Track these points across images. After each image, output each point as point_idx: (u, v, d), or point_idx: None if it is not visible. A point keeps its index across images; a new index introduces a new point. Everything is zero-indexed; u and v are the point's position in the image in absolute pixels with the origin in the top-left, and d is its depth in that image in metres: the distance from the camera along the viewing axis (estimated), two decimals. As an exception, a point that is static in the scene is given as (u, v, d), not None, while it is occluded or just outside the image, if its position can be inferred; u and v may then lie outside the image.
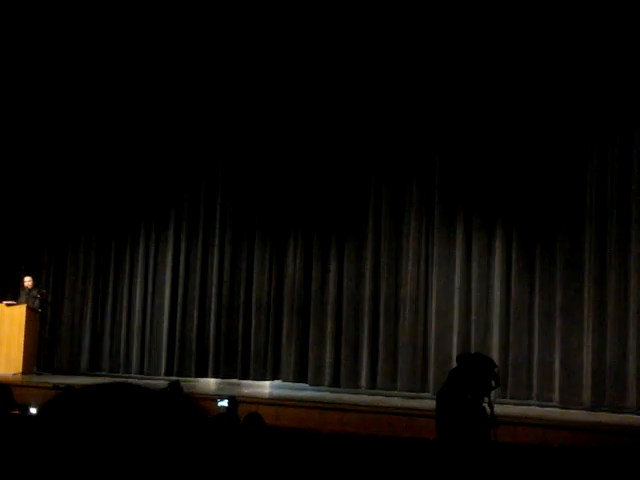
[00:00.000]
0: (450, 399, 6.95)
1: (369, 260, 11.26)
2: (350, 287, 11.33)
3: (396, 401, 10.19)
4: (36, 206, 12.99)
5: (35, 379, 11.54)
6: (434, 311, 10.82)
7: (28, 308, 11.81)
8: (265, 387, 11.63)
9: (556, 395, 10.13)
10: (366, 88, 11.27)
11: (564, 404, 9.93)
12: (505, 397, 9.91)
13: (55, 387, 9.58)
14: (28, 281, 12.17)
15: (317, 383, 11.28)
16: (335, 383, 11.19)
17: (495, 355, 10.14)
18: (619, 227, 9.95)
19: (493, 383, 6.96)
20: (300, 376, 11.43)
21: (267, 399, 10.32)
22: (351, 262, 11.36)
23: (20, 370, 11.67)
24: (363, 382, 11.11)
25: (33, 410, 7.16)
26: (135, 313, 12.53)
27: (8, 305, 11.91)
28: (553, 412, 9.64)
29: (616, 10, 9.97)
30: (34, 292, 12.10)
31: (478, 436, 6.55)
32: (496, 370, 7.24)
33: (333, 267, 11.40)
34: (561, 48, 10.26)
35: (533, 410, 9.76)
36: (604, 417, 9.27)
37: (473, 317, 10.65)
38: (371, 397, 10.50)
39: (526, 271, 10.46)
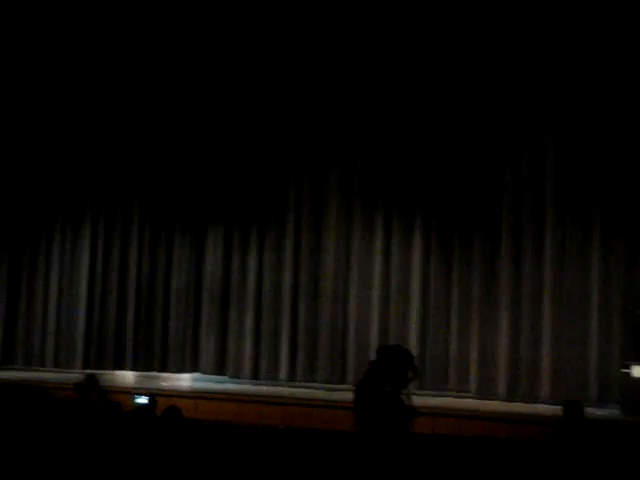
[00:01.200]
0: (368, 391, 6.91)
1: (289, 251, 11.26)
2: (270, 279, 11.33)
3: (315, 393, 10.21)
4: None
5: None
6: (353, 303, 10.90)
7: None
8: (184, 380, 11.52)
9: (472, 386, 10.33)
10: (289, 77, 11.23)
11: (480, 395, 10.15)
12: (423, 389, 10.00)
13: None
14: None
15: (236, 375, 11.22)
16: (255, 375, 11.15)
17: (413, 347, 10.28)
18: (534, 223, 10.20)
19: (411, 374, 6.97)
20: (219, 368, 11.38)
21: (186, 392, 10.23)
22: (271, 253, 11.34)
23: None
24: (283, 374, 11.10)
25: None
26: (51, 306, 12.28)
27: None
28: (469, 403, 9.82)
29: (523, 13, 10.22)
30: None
31: (396, 428, 6.56)
32: (414, 362, 7.24)
33: (253, 258, 11.39)
34: (478, 49, 10.42)
35: (449, 401, 9.91)
36: (518, 407, 9.52)
37: (392, 310, 10.76)
38: (291, 389, 10.50)
39: (444, 264, 10.62)
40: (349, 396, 6.33)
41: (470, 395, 10.22)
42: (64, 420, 5.84)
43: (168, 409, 6.32)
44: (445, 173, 10.59)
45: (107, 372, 11.35)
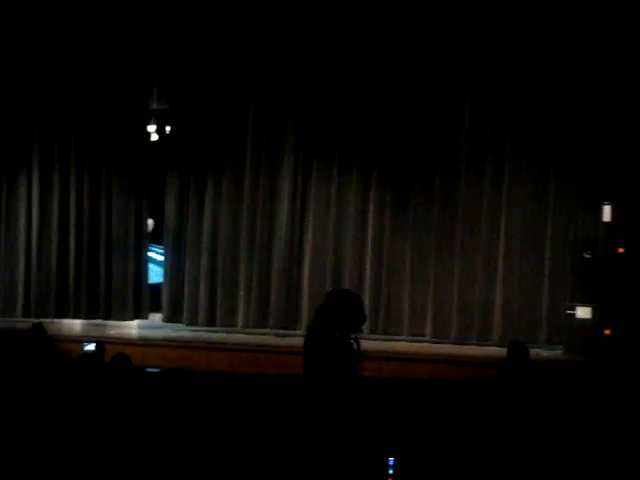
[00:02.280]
0: (318, 336, 7.03)
1: (245, 197, 11.25)
2: (226, 225, 11.32)
3: (267, 339, 10.33)
4: None
5: None
6: (308, 250, 11.00)
7: None
8: (133, 328, 11.54)
9: (427, 330, 10.60)
10: (249, 22, 10.99)
11: (434, 339, 10.45)
12: (376, 333, 10.34)
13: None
14: None
15: (192, 323, 11.22)
16: (211, 322, 11.19)
17: (368, 292, 10.60)
18: (493, 167, 10.46)
19: (360, 319, 7.10)
20: (176, 315, 11.44)
21: (134, 340, 10.28)
22: (228, 200, 11.31)
23: None
24: (239, 321, 11.16)
25: None
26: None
27: None
28: (421, 347, 10.10)
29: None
30: None
31: (345, 372, 6.69)
32: (363, 307, 7.36)
33: (208, 203, 11.37)
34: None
35: (403, 345, 10.18)
36: (470, 350, 9.88)
37: (347, 256, 10.90)
38: (243, 336, 10.62)
39: (400, 211, 10.79)
40: (300, 341, 6.42)
41: (425, 339, 10.48)
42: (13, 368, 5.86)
43: (116, 357, 6.34)
44: (403, 117, 10.69)
45: (54, 321, 11.36)
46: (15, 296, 11.87)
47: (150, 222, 12.64)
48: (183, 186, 11.51)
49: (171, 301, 11.51)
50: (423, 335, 10.56)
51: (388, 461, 4.33)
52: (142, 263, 11.82)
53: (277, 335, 10.55)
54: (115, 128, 11.56)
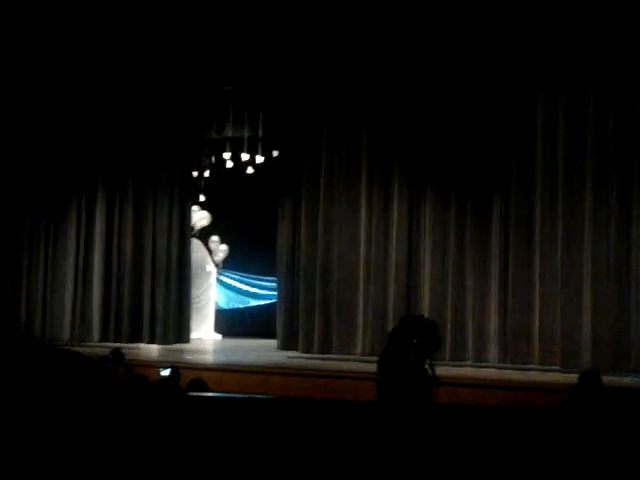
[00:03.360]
0: (392, 361, 7.01)
1: (361, 224, 11.23)
2: (344, 253, 11.27)
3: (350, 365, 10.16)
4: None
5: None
6: (425, 276, 10.96)
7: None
8: (209, 353, 11.70)
9: (492, 355, 10.45)
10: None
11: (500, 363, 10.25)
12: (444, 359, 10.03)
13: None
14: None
15: (307, 350, 11.20)
16: (326, 350, 11.16)
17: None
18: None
19: (434, 345, 7.03)
20: (291, 343, 11.52)
21: (210, 365, 10.35)
22: (343, 225, 11.32)
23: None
24: (358, 348, 11.08)
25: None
26: (67, 284, 12.70)
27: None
28: (489, 372, 9.86)
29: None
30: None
31: (420, 397, 6.67)
32: (438, 332, 7.32)
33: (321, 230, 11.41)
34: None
35: (469, 371, 9.99)
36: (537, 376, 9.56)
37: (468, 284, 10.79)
38: (323, 362, 10.47)
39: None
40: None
41: (489, 364, 10.33)
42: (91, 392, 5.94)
43: (193, 381, 6.43)
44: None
45: (132, 346, 11.60)
46: (91, 322, 12.36)
47: (223, 248, 12.78)
48: (295, 214, 11.66)
49: (285, 328, 11.63)
50: (487, 360, 10.47)
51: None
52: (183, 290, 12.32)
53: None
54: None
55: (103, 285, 12.41)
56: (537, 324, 10.19)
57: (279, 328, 11.84)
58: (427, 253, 10.88)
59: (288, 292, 11.81)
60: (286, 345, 11.56)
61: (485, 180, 10.59)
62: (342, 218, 11.23)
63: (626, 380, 8.96)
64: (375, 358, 6.87)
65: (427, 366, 6.80)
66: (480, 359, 10.50)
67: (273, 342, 11.96)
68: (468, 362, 10.48)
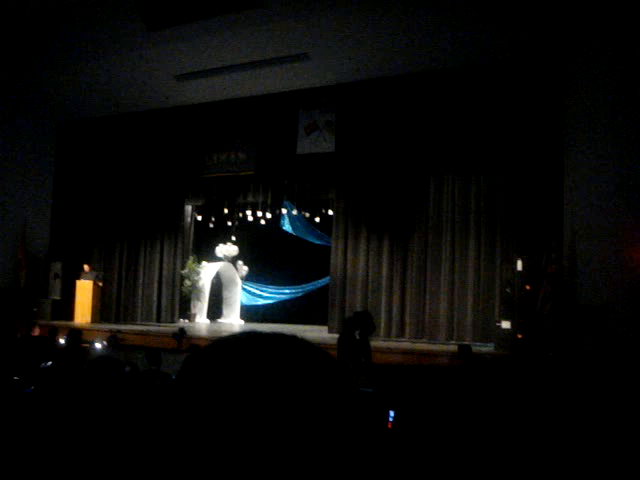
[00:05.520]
0: (345, 338, 10.22)
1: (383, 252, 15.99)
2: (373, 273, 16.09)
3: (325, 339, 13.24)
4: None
5: (97, 326, 15.20)
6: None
7: (94, 283, 16.30)
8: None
9: (407, 332, 15.20)
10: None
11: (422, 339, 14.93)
12: (380, 336, 14.81)
13: (110, 331, 13.26)
14: (87, 267, 16.85)
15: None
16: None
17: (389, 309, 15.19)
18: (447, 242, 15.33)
19: (371, 328, 10.65)
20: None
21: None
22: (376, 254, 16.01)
23: (89, 320, 15.84)
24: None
25: (97, 345, 10.40)
26: (154, 283, 17.57)
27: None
28: (405, 344, 13.77)
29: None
30: (93, 274, 16.49)
31: (358, 359, 9.90)
32: (372, 320, 10.94)
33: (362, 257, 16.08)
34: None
35: (393, 343, 13.87)
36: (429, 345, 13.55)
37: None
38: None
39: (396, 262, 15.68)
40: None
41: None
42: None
43: (192, 346, 8.75)
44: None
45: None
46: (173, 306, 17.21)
47: (245, 268, 17.94)
48: (346, 246, 16.16)
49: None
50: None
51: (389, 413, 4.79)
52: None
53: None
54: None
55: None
56: (432, 313, 15.06)
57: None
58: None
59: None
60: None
61: (403, 226, 15.44)
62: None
63: (484, 349, 12.89)
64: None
65: (357, 337, 10.03)
66: (401, 335, 15.22)
67: (280, 325, 16.27)
68: (393, 338, 15.20)
